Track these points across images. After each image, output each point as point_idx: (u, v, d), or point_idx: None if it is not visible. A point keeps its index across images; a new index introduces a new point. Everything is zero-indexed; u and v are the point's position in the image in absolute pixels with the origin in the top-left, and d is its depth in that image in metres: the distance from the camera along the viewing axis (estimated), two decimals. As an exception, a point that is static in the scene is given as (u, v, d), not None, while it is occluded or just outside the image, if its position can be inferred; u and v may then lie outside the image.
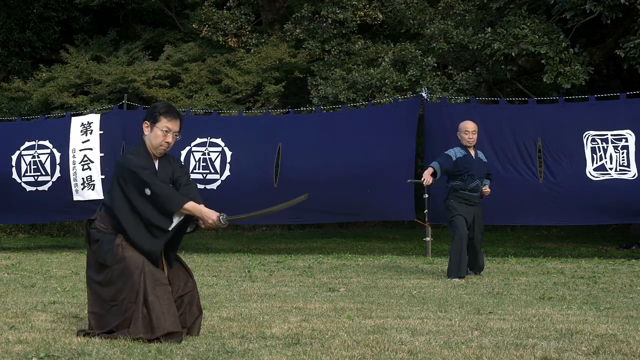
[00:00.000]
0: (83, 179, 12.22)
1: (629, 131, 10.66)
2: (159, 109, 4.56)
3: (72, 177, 12.24)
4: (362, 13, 16.12)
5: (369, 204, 11.62)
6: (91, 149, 12.26)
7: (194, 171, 11.96)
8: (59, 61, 19.05)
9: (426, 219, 11.48)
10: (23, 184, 12.54)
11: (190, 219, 4.41)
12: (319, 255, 11.69)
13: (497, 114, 11.43)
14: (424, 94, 11.66)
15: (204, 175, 11.97)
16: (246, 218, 4.86)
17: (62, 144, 12.41)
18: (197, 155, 12.06)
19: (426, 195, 11.42)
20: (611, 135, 10.70)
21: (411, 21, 15.97)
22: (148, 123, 4.54)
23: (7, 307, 5.73)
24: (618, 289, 7.16)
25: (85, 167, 12.23)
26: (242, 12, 17.86)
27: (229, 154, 11.99)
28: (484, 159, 8.43)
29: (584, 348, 4.15)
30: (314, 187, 10.67)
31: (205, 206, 4.38)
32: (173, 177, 4.56)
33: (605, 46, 14.91)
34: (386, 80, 14.44)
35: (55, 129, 12.84)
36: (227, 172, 11.94)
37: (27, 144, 12.61)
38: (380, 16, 16.22)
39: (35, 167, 12.46)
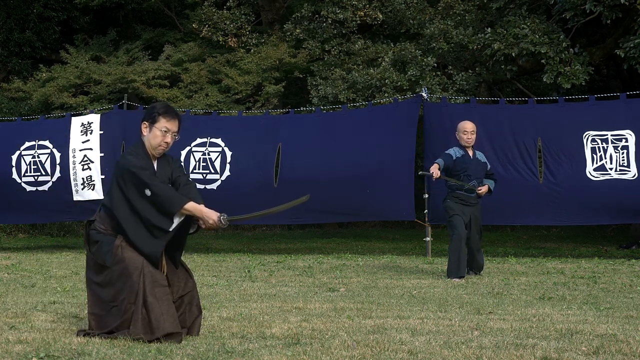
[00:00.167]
0: (83, 179, 12.22)
1: (629, 131, 10.66)
2: (158, 109, 4.56)
3: (72, 177, 12.25)
4: (362, 13, 16.12)
5: (369, 204, 11.62)
6: (91, 149, 12.26)
7: (194, 171, 11.96)
8: (59, 61, 19.05)
9: (426, 219, 11.48)
10: (23, 184, 12.54)
11: (191, 220, 4.41)
12: (319, 255, 11.69)
13: (497, 114, 11.43)
14: (424, 94, 11.66)
15: (204, 175, 11.97)
16: (247, 218, 4.86)
17: (62, 144, 12.41)
18: (197, 155, 12.06)
19: (426, 195, 11.43)
20: (611, 135, 10.71)
21: (411, 21, 15.97)
22: (147, 123, 4.53)
23: (7, 307, 5.73)
24: (618, 289, 7.16)
25: (85, 167, 12.23)
26: (242, 12, 17.86)
27: (229, 154, 11.99)
28: (483, 160, 8.42)
29: (584, 348, 4.15)
30: (314, 187, 10.67)
31: (205, 206, 4.38)
32: (172, 177, 4.56)
33: (605, 46, 14.91)
34: (386, 80, 14.44)
35: (55, 129, 12.84)
36: (227, 172, 11.94)
37: (27, 144, 12.61)
38: (380, 16, 16.22)
39: (35, 167, 12.46)
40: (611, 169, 10.63)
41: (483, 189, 8.25)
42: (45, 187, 12.45)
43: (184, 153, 12.02)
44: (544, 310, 5.63)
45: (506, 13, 14.49)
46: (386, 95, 14.15)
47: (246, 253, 12.25)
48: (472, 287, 7.28)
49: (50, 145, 12.48)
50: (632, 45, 12.63)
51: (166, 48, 18.63)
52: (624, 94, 11.37)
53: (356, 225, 19.12)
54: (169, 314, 4.27)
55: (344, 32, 16.44)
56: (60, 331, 4.66)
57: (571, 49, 13.49)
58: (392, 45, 15.91)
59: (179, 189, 4.48)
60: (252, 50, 17.48)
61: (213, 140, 12.10)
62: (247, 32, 17.80)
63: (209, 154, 12.05)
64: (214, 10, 17.49)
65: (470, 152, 8.33)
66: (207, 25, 17.50)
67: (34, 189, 12.50)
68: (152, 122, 4.51)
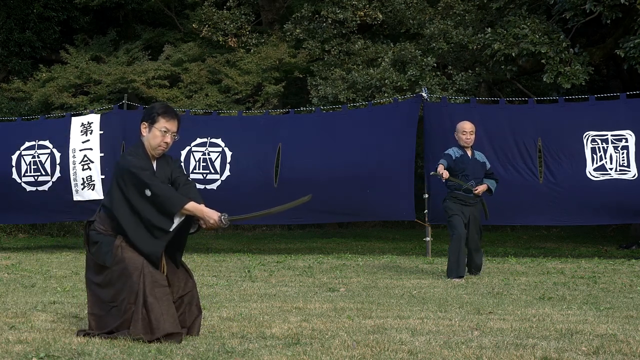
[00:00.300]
0: (83, 179, 12.22)
1: (629, 131, 10.66)
2: (157, 109, 4.56)
3: (72, 177, 12.25)
4: (362, 13, 16.13)
5: (369, 204, 11.62)
6: (91, 149, 12.26)
7: (194, 171, 11.96)
8: (59, 61, 19.06)
9: (426, 219, 11.48)
10: (23, 184, 12.54)
11: (192, 220, 4.41)
12: (319, 255, 11.69)
13: (497, 114, 11.43)
14: (424, 94, 11.66)
15: (204, 175, 11.97)
16: (247, 218, 4.86)
17: (62, 144, 12.41)
18: (197, 156, 12.06)
19: (426, 195, 11.43)
20: (611, 135, 10.71)
21: (411, 21, 15.97)
22: (146, 124, 4.53)
23: (7, 307, 5.73)
24: (618, 289, 7.16)
25: (85, 167, 12.23)
26: (242, 12, 17.87)
27: (229, 154, 11.99)
28: (482, 160, 8.40)
29: (584, 348, 4.15)
30: (314, 187, 10.66)
31: (206, 206, 4.38)
32: (171, 177, 4.56)
33: (605, 46, 14.91)
34: (386, 81, 14.44)
35: (55, 129, 12.85)
36: (227, 172, 11.95)
37: (27, 144, 12.61)
38: (380, 16, 16.22)
39: (35, 167, 12.46)
40: (611, 169, 10.63)
41: (480, 188, 8.21)
42: (45, 187, 12.45)
43: (184, 153, 12.02)
44: (544, 310, 5.63)
45: (506, 13, 14.49)
46: (386, 95, 14.15)
47: (246, 253, 12.25)
48: (472, 287, 7.28)
49: (50, 145, 12.48)
50: (632, 45, 12.63)
51: (166, 48, 18.63)
52: (624, 94, 11.37)
53: (356, 225, 19.12)
54: (169, 314, 4.26)
55: (344, 32, 16.45)
56: (60, 331, 4.66)
57: (571, 49, 13.50)
58: (392, 46, 15.91)
59: (179, 189, 4.48)
60: (252, 50, 17.48)
61: (213, 140, 12.10)
62: (247, 32, 17.80)
63: (209, 154, 12.05)
64: (214, 10, 17.49)
65: (469, 152, 8.33)
66: (207, 25, 17.50)
67: (34, 189, 12.50)
68: (152, 122, 4.51)
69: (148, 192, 4.31)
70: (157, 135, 4.49)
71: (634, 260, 10.40)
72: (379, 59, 15.43)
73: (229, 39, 17.51)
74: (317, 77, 16.07)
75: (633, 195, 10.53)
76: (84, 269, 4.67)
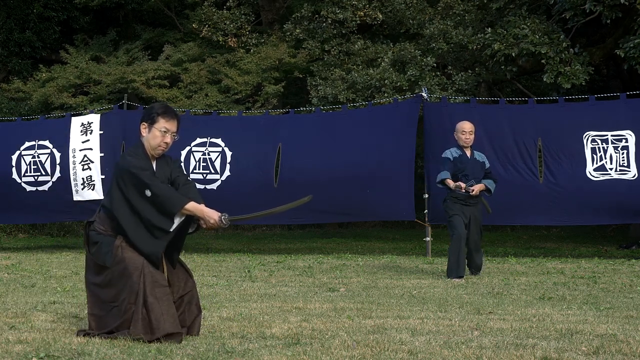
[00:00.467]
0: (83, 179, 12.22)
1: (629, 131, 10.66)
2: (156, 109, 4.55)
3: (72, 177, 12.25)
4: (362, 13, 16.13)
5: (369, 204, 11.62)
6: (91, 149, 12.26)
7: (194, 171, 11.96)
8: (58, 61, 19.06)
9: (426, 219, 11.48)
10: (23, 184, 12.54)
11: (192, 220, 4.41)
12: (319, 255, 11.69)
13: (497, 114, 11.43)
14: (424, 94, 11.66)
15: (204, 175, 11.97)
16: (248, 218, 4.86)
17: (62, 144, 12.41)
18: (197, 156, 12.06)
19: (426, 195, 11.43)
20: (611, 135, 10.71)
21: (411, 21, 15.97)
22: (146, 124, 4.53)
23: (7, 307, 5.73)
24: (618, 289, 7.16)
25: (85, 167, 12.23)
26: (242, 12, 17.87)
27: (229, 154, 11.99)
28: (481, 159, 8.39)
29: (584, 348, 4.15)
30: (314, 187, 10.66)
31: (206, 206, 4.37)
32: (171, 177, 4.56)
33: (605, 46, 14.91)
34: (385, 81, 14.45)
35: (55, 129, 12.85)
36: (227, 172, 11.95)
37: (27, 144, 12.61)
38: (380, 16, 16.22)
39: (35, 167, 12.46)
40: (611, 169, 10.63)
41: (476, 188, 8.17)
42: (45, 187, 12.45)
43: (184, 153, 12.02)
44: (544, 310, 5.63)
45: (506, 13, 14.49)
46: (386, 95, 14.15)
47: (246, 253, 12.25)
48: (472, 287, 7.28)
49: (50, 145, 12.48)
50: (632, 45, 12.63)
51: (166, 48, 18.63)
52: (624, 94, 11.37)
53: (356, 225, 19.12)
54: (169, 314, 4.26)
55: (343, 32, 16.45)
56: (60, 331, 4.66)
57: (571, 49, 13.50)
58: (392, 46, 15.91)
59: (179, 189, 4.48)
60: (251, 50, 17.48)
61: (213, 140, 12.10)
62: (247, 32, 17.80)
63: (209, 154, 12.05)
64: (214, 10, 17.50)
65: (468, 152, 8.33)
66: (207, 25, 17.50)
67: (34, 189, 12.50)
68: (151, 122, 4.51)
69: (148, 193, 4.31)
70: (157, 135, 4.49)
71: (634, 260, 10.40)
72: (379, 59, 15.44)
73: (229, 39, 17.51)
74: (316, 77, 16.07)
75: (633, 195, 10.53)
76: (84, 269, 4.67)
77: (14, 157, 12.61)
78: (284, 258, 11.03)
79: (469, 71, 14.73)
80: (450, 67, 15.19)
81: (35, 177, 12.48)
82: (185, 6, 20.40)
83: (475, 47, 14.37)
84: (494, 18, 14.89)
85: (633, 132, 10.64)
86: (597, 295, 6.66)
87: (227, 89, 16.98)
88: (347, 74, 15.36)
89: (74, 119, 12.62)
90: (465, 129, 8.28)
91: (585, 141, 10.79)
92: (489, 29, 14.08)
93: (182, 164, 11.89)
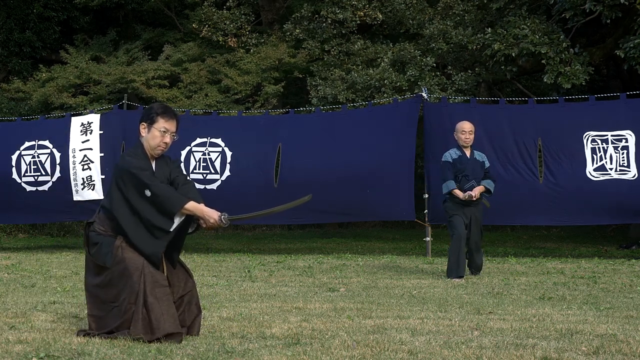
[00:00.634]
0: (83, 179, 12.22)
1: (629, 131, 10.66)
2: (156, 109, 4.56)
3: (72, 177, 12.25)
4: (361, 13, 16.13)
5: (369, 204, 11.62)
6: (91, 149, 12.26)
7: (194, 171, 11.96)
8: (58, 61, 19.06)
9: (426, 219, 11.48)
10: (23, 184, 12.54)
11: (192, 219, 4.41)
12: (319, 255, 11.69)
13: (497, 114, 11.43)
14: (424, 94, 11.66)
15: (204, 175, 11.97)
16: (248, 218, 4.85)
17: (62, 144, 12.41)
18: (197, 156, 12.06)
19: (426, 195, 11.43)
20: (611, 135, 10.71)
21: (410, 21, 15.97)
22: (145, 124, 4.53)
23: (7, 307, 5.73)
24: (618, 289, 7.16)
25: (85, 167, 12.23)
26: (242, 12, 17.87)
27: (229, 154, 11.99)
28: (481, 159, 8.38)
29: (584, 348, 4.15)
30: (314, 187, 10.65)
31: (205, 205, 4.37)
32: (170, 177, 4.56)
33: (605, 46, 14.91)
34: (385, 81, 14.44)
35: (55, 129, 12.85)
36: (227, 172, 11.95)
37: (27, 144, 12.61)
38: (380, 16, 16.23)
39: (35, 167, 12.46)
40: (611, 169, 10.63)
41: (476, 192, 8.17)
42: (45, 187, 12.45)
43: (184, 153, 12.02)
44: (544, 310, 5.63)
45: (506, 13, 14.49)
46: (385, 95, 14.15)
47: (246, 253, 12.25)
48: (472, 287, 7.28)
49: (50, 145, 12.48)
50: (632, 45, 12.63)
51: (166, 48, 18.63)
52: (624, 94, 11.36)
53: (356, 225, 19.12)
54: (169, 314, 4.26)
55: (343, 32, 16.45)
56: (60, 331, 4.65)
57: (571, 49, 13.50)
58: (392, 46, 15.91)
59: (178, 189, 4.48)
60: (251, 50, 17.48)
61: (213, 140, 12.11)
62: (247, 32, 17.80)
63: (209, 154, 12.05)
64: (213, 10, 17.50)
65: (468, 152, 8.32)
66: (207, 25, 17.50)
67: (34, 189, 12.50)
68: (151, 122, 4.51)
69: (148, 193, 4.31)
70: (157, 135, 4.49)
71: (634, 260, 10.40)
72: (379, 59, 15.44)
73: (229, 39, 17.51)
74: (316, 77, 16.07)
75: (633, 195, 10.53)
76: (83, 269, 4.67)
77: (14, 157, 12.61)
78: (284, 258, 11.02)
79: (469, 71, 14.73)
80: (450, 67, 15.19)
81: (35, 177, 12.48)
82: (185, 6, 20.40)
83: (475, 47, 14.37)
84: (494, 18, 14.89)
85: (633, 132, 10.64)
86: (597, 295, 6.66)
87: (227, 89, 16.98)
88: (346, 74, 15.36)
89: (73, 119, 12.62)
90: (465, 129, 8.28)
91: (585, 141, 10.79)
92: (489, 29, 14.08)
93: (182, 164, 11.90)
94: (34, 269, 9.15)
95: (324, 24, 16.24)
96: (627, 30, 13.56)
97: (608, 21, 12.96)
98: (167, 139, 4.52)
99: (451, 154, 8.27)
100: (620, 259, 10.89)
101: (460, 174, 8.19)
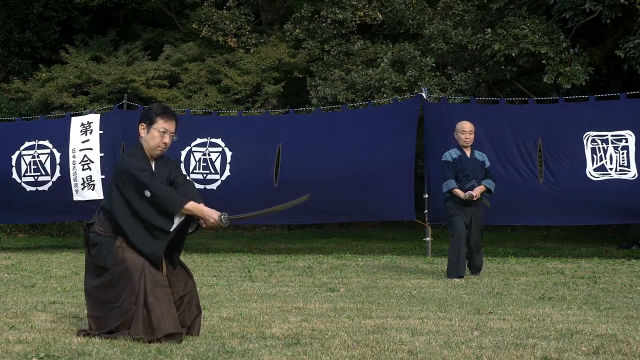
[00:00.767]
0: (83, 179, 12.22)
1: (629, 132, 10.66)
2: (155, 110, 4.56)
3: (72, 177, 12.25)
4: (361, 13, 16.13)
5: (369, 204, 11.62)
6: (91, 149, 12.26)
7: (194, 171, 11.96)
8: (58, 61, 19.06)
9: (426, 219, 11.48)
10: (23, 184, 12.54)
11: (191, 219, 4.41)
12: (319, 255, 11.69)
13: (497, 114, 11.43)
14: (423, 94, 11.66)
15: (204, 175, 11.97)
16: (247, 217, 4.85)
17: (62, 144, 12.42)
18: (198, 156, 12.06)
19: (426, 195, 11.43)
20: (611, 135, 10.71)
21: (410, 21, 15.97)
22: (144, 125, 4.53)
23: (7, 307, 5.73)
24: (618, 289, 7.16)
25: (85, 167, 12.23)
26: (242, 12, 17.87)
27: (229, 154, 11.99)
28: (482, 159, 8.38)
29: (584, 348, 4.15)
30: (314, 187, 10.66)
31: (205, 205, 4.37)
32: (170, 177, 4.56)
33: (605, 46, 14.91)
34: (385, 81, 14.44)
35: (55, 129, 12.85)
36: (227, 172, 11.95)
37: (27, 144, 12.61)
38: (380, 16, 16.22)
39: (35, 167, 12.47)
40: (611, 169, 10.63)
41: (476, 192, 8.17)
42: (45, 187, 12.45)
43: (184, 153, 12.02)
44: (544, 310, 5.63)
45: (506, 13, 14.49)
46: (385, 96, 14.15)
47: (246, 253, 12.25)
48: (472, 287, 7.28)
49: (50, 145, 12.48)
50: (631, 45, 12.63)
51: (166, 48, 18.63)
52: (624, 94, 11.36)
53: (356, 225, 19.12)
54: (169, 315, 4.26)
55: (343, 32, 16.45)
56: (60, 331, 4.65)
57: (571, 49, 13.50)
58: (391, 46, 15.91)
59: (178, 189, 4.48)
60: (251, 50, 17.48)
61: (213, 140, 12.11)
62: (247, 32, 17.80)
63: (209, 154, 12.05)
64: (213, 10, 17.50)
65: (468, 152, 8.32)
66: (206, 25, 17.50)
67: (34, 189, 12.50)
68: (150, 123, 4.51)
69: (147, 193, 4.31)
70: (156, 136, 4.50)
71: (634, 260, 10.40)
72: (378, 60, 15.43)
73: (229, 39, 17.51)
74: (316, 77, 16.07)
75: (633, 195, 10.53)
76: (83, 269, 4.67)
77: (14, 157, 12.61)
78: (284, 258, 11.03)
79: (469, 71, 14.73)
80: (450, 67, 15.19)
81: (35, 177, 12.48)
82: (185, 6, 20.40)
83: (475, 47, 14.37)
84: (494, 18, 14.89)
85: (633, 132, 10.64)
86: (597, 295, 6.66)
87: (227, 89, 16.98)
88: (346, 74, 15.36)
89: (73, 119, 12.62)
90: (465, 129, 8.28)
91: (585, 141, 10.79)
92: (489, 29, 14.08)
93: (182, 164, 11.91)
94: (34, 269, 9.15)
95: (324, 24, 16.25)
96: (627, 30, 13.56)
97: (608, 21, 12.96)
98: (167, 140, 4.52)
99: (451, 154, 8.27)
100: (620, 259, 10.89)
101: (461, 173, 8.19)
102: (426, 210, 11.42)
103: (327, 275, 8.53)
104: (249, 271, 8.97)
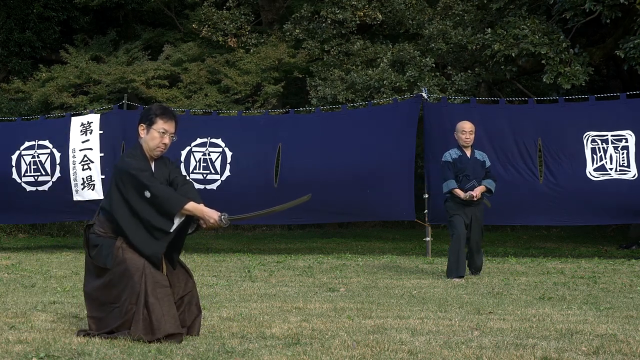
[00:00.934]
0: (83, 179, 12.22)
1: (629, 131, 10.66)
2: (154, 110, 4.56)
3: (72, 177, 12.25)
4: (361, 13, 16.13)
5: (369, 204, 11.62)
6: (91, 149, 12.26)
7: (194, 171, 11.96)
8: (58, 61, 19.06)
9: (426, 219, 11.48)
10: (23, 184, 12.54)
11: (191, 220, 4.41)
12: (319, 255, 11.69)
13: (497, 114, 11.43)
14: (424, 94, 11.66)
15: (204, 175, 11.97)
16: (247, 218, 4.85)
17: (62, 144, 12.42)
18: (198, 156, 12.06)
19: (426, 195, 11.43)
20: (611, 135, 10.71)
21: (410, 21, 15.97)
22: (144, 125, 4.53)
23: (7, 307, 5.73)
24: (618, 289, 7.16)
25: (85, 167, 12.23)
26: (242, 12, 17.87)
27: (229, 154, 11.99)
28: (482, 159, 8.37)
29: (584, 348, 4.15)
30: (314, 187, 10.64)
31: (205, 206, 4.37)
32: (169, 178, 4.56)
33: (605, 46, 14.91)
34: (384, 81, 14.44)
35: (55, 129, 12.85)
36: (227, 173, 11.95)
37: (27, 144, 12.61)
38: (380, 16, 16.22)
39: (35, 167, 12.47)
40: (611, 169, 10.63)
41: (477, 192, 8.17)
42: (45, 187, 12.45)
43: (184, 153, 12.02)
44: (544, 310, 5.63)
45: (506, 13, 14.49)
46: (384, 96, 14.15)
47: (246, 253, 12.25)
48: (472, 287, 7.28)
49: (50, 145, 12.48)
50: (631, 45, 12.63)
51: (166, 48, 18.63)
52: (624, 94, 11.36)
53: (356, 225, 19.12)
54: (169, 315, 4.26)
55: (343, 32, 16.45)
56: (60, 331, 4.66)
57: (571, 49, 13.50)
58: (391, 46, 15.91)
59: (177, 189, 4.47)
60: (251, 50, 17.48)
61: (213, 140, 12.11)
62: (247, 32, 17.81)
63: (209, 154, 12.05)
64: (213, 10, 17.50)
65: (468, 152, 8.32)
66: (206, 25, 17.50)
67: (34, 189, 12.50)
68: (150, 124, 4.51)
69: (147, 194, 4.31)
70: (156, 136, 4.50)
71: (634, 260, 10.40)
72: (378, 60, 15.44)
73: (229, 39, 17.51)
74: (316, 77, 16.07)
75: (633, 195, 10.53)
76: (83, 269, 4.67)
77: (14, 157, 12.61)
78: (284, 258, 11.03)
79: (469, 71, 14.73)
80: (449, 68, 15.19)
81: (35, 177, 12.48)
82: (185, 6, 20.41)
83: (475, 47, 14.37)
84: (494, 18, 14.89)
85: (633, 132, 10.64)
86: (597, 295, 6.66)
87: (227, 89, 16.99)
88: (346, 74, 15.36)
89: (73, 118, 12.63)
90: (465, 129, 8.28)
91: (585, 141, 10.79)
92: (489, 29, 14.08)
93: (182, 164, 11.91)
94: (34, 269, 9.15)
95: (324, 24, 16.25)
96: (627, 30, 13.56)
97: (608, 21, 12.96)
98: (166, 140, 4.53)
99: (451, 154, 8.27)
100: (620, 259, 10.89)
101: (461, 173, 8.19)
102: (426, 210, 11.42)
103: (327, 275, 8.53)
104: (249, 271, 8.97)
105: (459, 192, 8.11)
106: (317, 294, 6.83)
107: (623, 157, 10.60)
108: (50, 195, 12.44)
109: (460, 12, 15.50)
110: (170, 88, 17.22)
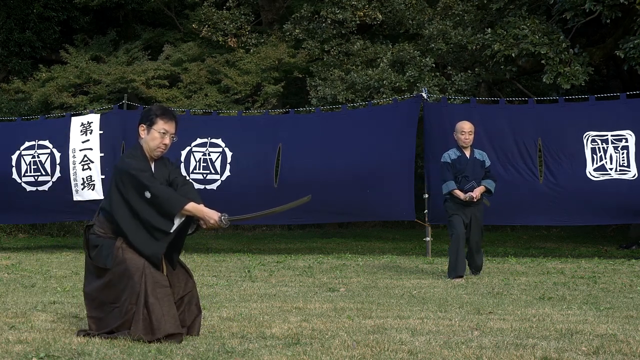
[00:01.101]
0: (83, 179, 12.22)
1: (629, 131, 10.66)
2: (155, 111, 4.56)
3: (72, 177, 12.25)
4: (361, 13, 16.13)
5: (369, 204, 11.62)
6: (91, 149, 12.27)
7: (194, 171, 11.96)
8: (58, 61, 19.06)
9: (426, 219, 11.48)
10: (23, 184, 12.54)
11: (192, 220, 4.41)
12: (319, 255, 11.69)
13: (497, 114, 11.43)
14: (424, 94, 11.66)
15: (204, 175, 11.97)
16: (247, 218, 4.85)
17: (62, 144, 12.42)
18: (198, 156, 12.06)
19: (426, 195, 11.43)
20: (611, 135, 10.71)
21: (410, 21, 15.97)
22: (144, 126, 4.54)
23: (7, 307, 5.73)
24: (618, 289, 7.16)
25: (85, 167, 12.23)
26: (242, 12, 17.87)
27: (229, 154, 11.99)
28: (482, 158, 8.36)
29: (584, 348, 4.15)
30: (314, 187, 10.66)
31: (205, 206, 4.37)
32: (169, 178, 4.57)
33: (605, 46, 14.91)
34: (384, 81, 14.44)
35: (55, 129, 12.85)
36: (227, 173, 11.95)
37: (27, 144, 12.62)
38: (380, 16, 16.22)
39: (35, 167, 12.47)
40: (611, 169, 10.63)
41: (476, 193, 8.17)
42: (45, 187, 12.46)
43: (184, 153, 12.02)
44: (544, 310, 5.63)
45: (506, 14, 14.49)
46: (384, 96, 14.15)
47: (246, 253, 12.25)
48: (472, 287, 7.28)
49: (50, 145, 12.48)
50: (631, 45, 12.63)
51: (166, 48, 18.63)
52: (624, 94, 11.36)
53: (356, 225, 19.12)
54: (169, 315, 4.27)
55: (343, 32, 16.45)
56: (60, 331, 4.66)
57: (571, 50, 13.49)
58: (391, 46, 15.91)
59: (177, 190, 4.48)
60: (251, 50, 17.48)
61: (213, 140, 12.11)
62: (247, 32, 17.81)
63: (209, 154, 12.05)
64: (213, 10, 17.50)
65: (468, 152, 8.31)
66: (206, 25, 17.51)
67: (34, 189, 12.50)
68: (150, 124, 4.51)
69: (148, 194, 4.31)
70: (156, 137, 4.50)
71: (634, 260, 10.40)
72: (378, 60, 15.44)
73: (229, 39, 17.51)
74: (316, 77, 16.07)
75: (633, 195, 10.53)
76: (83, 269, 4.67)
77: (14, 157, 12.61)
78: (284, 258, 11.03)
79: (469, 71, 14.73)
80: (449, 68, 15.19)
81: (35, 177, 12.48)
82: (185, 6, 20.40)
83: (474, 47, 14.37)
84: (494, 18, 14.89)
85: (633, 132, 10.64)
86: (597, 295, 6.66)
87: (227, 89, 16.98)
88: (346, 74, 15.36)
89: (73, 118, 12.63)
90: (465, 129, 8.27)
91: (585, 141, 10.79)
92: (489, 29, 14.08)
93: (182, 164, 11.91)
94: (34, 269, 9.15)
95: (324, 24, 16.25)
96: (627, 30, 13.56)
97: (608, 21, 12.96)
98: (167, 141, 4.53)
99: (450, 155, 8.27)
100: (620, 259, 10.89)
101: (460, 174, 8.19)
102: (426, 210, 11.42)
103: (327, 275, 8.53)
104: (249, 271, 8.97)
105: (458, 193, 8.11)
106: (317, 294, 6.83)
107: (623, 157, 10.60)
108: (50, 195, 12.45)
109: (460, 12, 15.50)
110: (170, 88, 17.22)
